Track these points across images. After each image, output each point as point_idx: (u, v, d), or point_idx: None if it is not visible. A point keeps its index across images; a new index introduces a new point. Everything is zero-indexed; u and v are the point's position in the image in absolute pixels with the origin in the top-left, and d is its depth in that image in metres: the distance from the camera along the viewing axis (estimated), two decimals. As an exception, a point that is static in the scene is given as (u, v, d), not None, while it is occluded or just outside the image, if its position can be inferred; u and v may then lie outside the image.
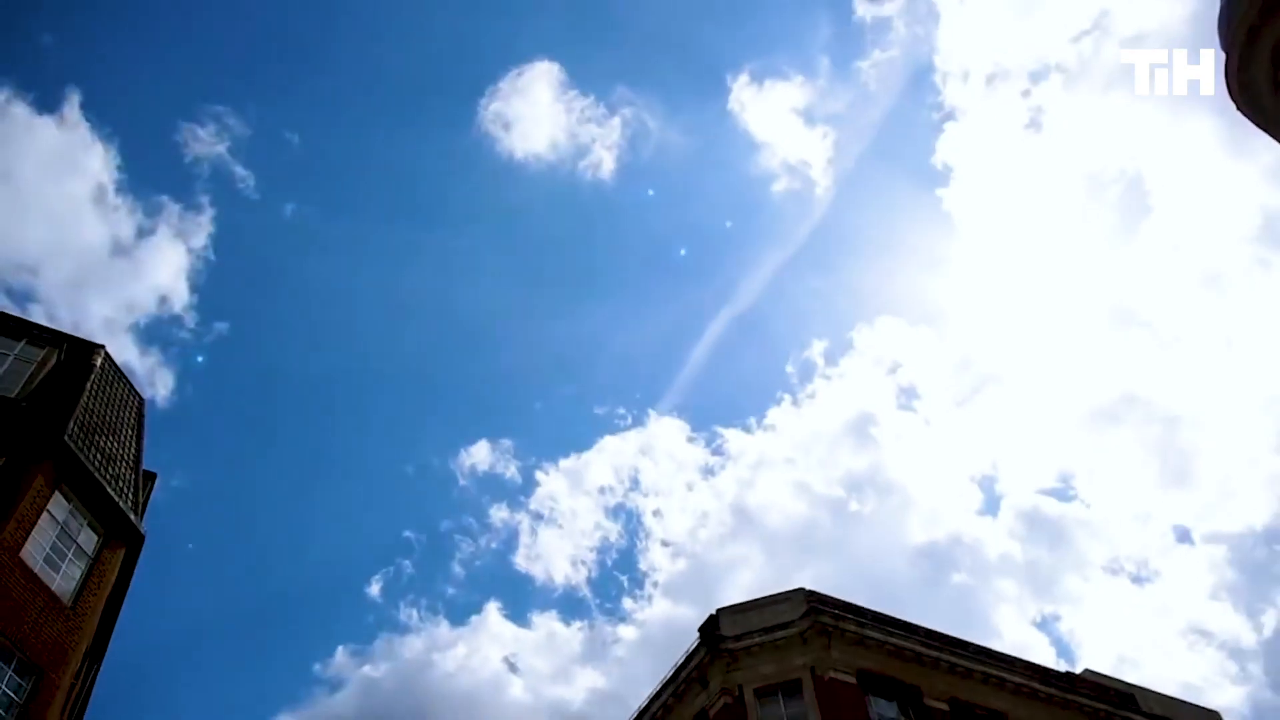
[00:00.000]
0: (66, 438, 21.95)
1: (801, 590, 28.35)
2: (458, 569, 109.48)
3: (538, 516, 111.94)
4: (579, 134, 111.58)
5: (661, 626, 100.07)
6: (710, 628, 27.86)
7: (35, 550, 20.67)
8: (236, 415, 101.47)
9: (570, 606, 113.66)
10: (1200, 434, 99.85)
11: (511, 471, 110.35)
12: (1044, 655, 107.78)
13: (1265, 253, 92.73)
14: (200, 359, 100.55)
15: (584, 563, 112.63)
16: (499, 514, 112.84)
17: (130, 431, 25.83)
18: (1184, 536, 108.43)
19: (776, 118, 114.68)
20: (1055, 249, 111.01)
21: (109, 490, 22.85)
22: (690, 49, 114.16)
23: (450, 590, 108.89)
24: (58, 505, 21.68)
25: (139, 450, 25.77)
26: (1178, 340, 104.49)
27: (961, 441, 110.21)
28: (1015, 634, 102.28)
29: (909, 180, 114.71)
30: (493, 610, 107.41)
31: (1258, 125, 31.82)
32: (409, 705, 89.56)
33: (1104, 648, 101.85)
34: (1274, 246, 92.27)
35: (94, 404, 24.42)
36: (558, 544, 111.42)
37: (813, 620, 27.11)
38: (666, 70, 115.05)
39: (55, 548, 21.33)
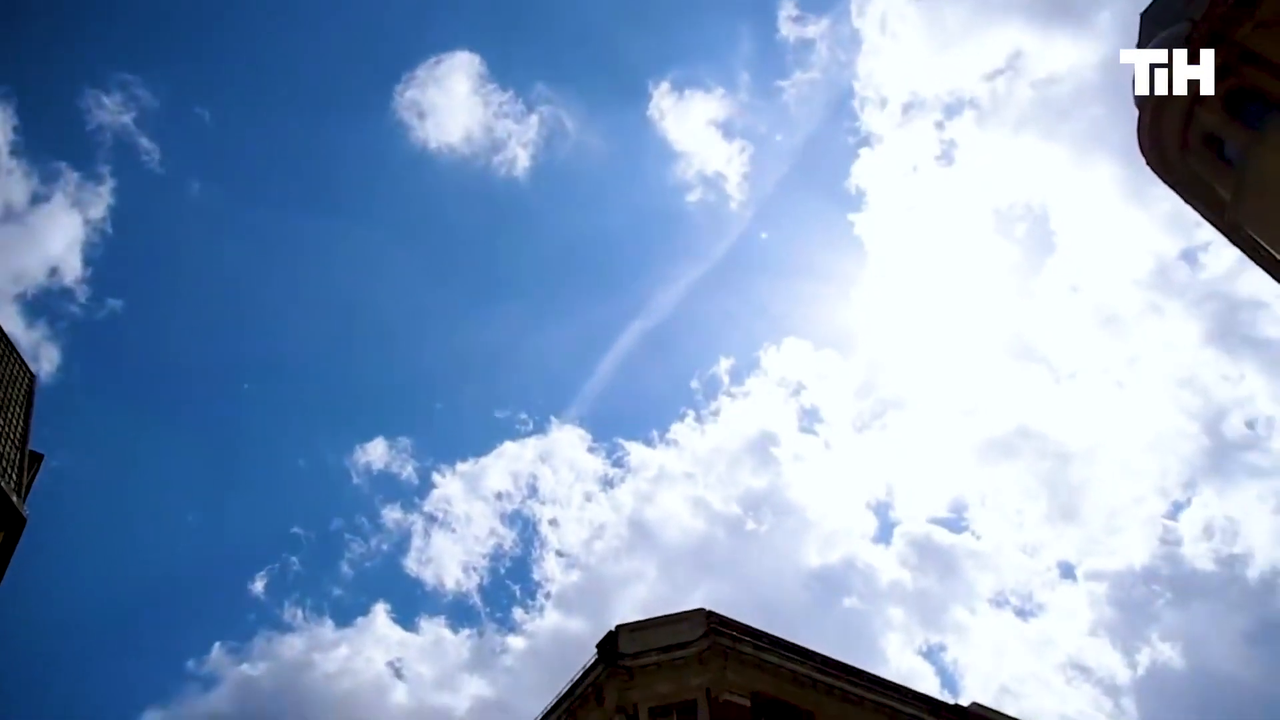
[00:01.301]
0: (-51, 410, 20.89)
1: (702, 611, 28.34)
2: (346, 569, 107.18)
3: (431, 519, 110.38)
4: (495, 128, 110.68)
5: (552, 638, 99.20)
6: (609, 644, 27.67)
7: (-94, 527, 19.58)
8: (125, 397, 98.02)
9: (460, 613, 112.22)
10: (1089, 470, 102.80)
11: (407, 472, 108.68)
12: (929, 684, 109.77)
13: (1158, 298, 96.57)
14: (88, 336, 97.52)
15: (476, 569, 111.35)
16: (392, 515, 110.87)
17: (18, 409, 24.67)
18: (1068, 572, 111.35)
19: (695, 129, 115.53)
20: (961, 280, 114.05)
21: (-9, 469, 21.78)
22: (613, 52, 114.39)
23: (337, 591, 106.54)
24: (-66, 481, 20.58)
25: (26, 429, 24.61)
26: (1073, 377, 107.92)
27: (859, 466, 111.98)
28: (902, 661, 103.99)
29: (823, 202, 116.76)
30: (380, 612, 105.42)
31: (1163, 180, 33.17)
32: (287, 705, 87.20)
33: (987, 679, 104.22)
34: (1165, 293, 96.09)
35: (-19, 378, 23.31)
36: (450, 549, 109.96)
37: (711, 641, 27.12)
38: (588, 71, 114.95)
39: (-72, 525, 20.24)
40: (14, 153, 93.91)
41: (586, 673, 28.06)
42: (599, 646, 27.85)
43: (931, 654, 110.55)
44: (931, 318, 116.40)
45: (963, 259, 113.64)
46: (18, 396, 24.84)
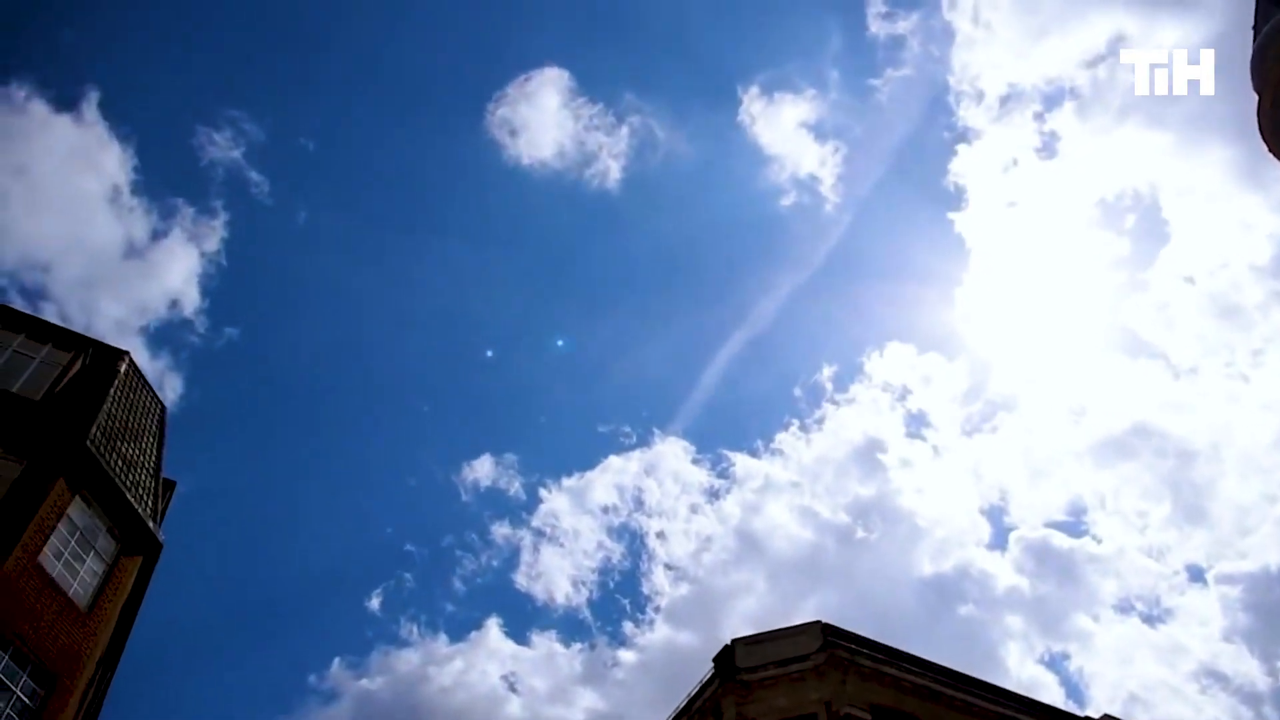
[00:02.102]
0: (89, 443, 21.88)
1: (818, 623, 28.05)
2: (458, 585, 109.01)
3: (539, 534, 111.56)
4: (586, 141, 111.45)
5: (663, 651, 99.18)
6: (725, 658, 27.55)
7: (53, 556, 20.57)
8: (243, 421, 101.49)
9: (571, 627, 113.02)
10: (1215, 469, 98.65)
11: (515, 488, 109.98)
12: (1053, 695, 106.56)
13: (1279, 286, 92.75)
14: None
15: (585, 584, 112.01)
16: (501, 530, 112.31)
17: (151, 439, 25.75)
18: (1197, 575, 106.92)
19: (787, 131, 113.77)
20: (1069, 275, 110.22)
21: (129, 497, 22.77)
22: (701, 58, 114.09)
23: (450, 607, 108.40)
24: (77, 511, 21.60)
25: (159, 458, 25.69)
26: (1193, 372, 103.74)
27: (970, 471, 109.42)
28: (1023, 671, 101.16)
29: (921, 201, 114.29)
30: (493, 627, 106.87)
31: (1284, 163, 31.88)
32: (405, 719, 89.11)
33: (1115, 688, 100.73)
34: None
35: (116, 410, 24.36)
36: (559, 563, 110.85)
37: (829, 654, 26.78)
38: (676, 78, 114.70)
39: (74, 553, 21.23)
40: (135, 191, 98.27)
41: (703, 687, 27.96)
42: (715, 661, 27.73)
43: (1054, 663, 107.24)
44: (1039, 316, 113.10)
45: (1069, 253, 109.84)
46: (150, 427, 25.90)
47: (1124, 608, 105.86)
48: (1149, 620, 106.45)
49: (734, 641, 27.66)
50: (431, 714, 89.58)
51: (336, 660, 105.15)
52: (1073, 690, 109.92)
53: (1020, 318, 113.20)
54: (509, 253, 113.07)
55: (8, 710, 18.54)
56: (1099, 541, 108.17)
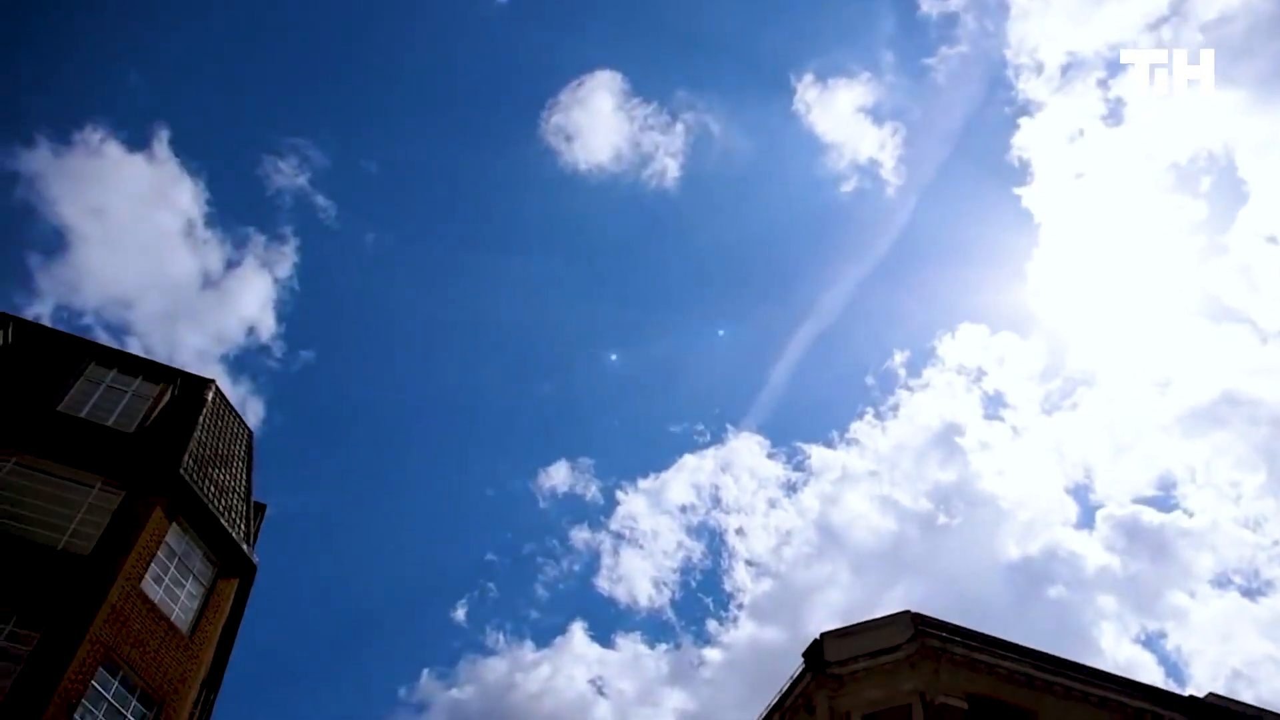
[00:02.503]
0: (182, 471, 22.60)
1: (907, 613, 27.76)
2: (541, 591, 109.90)
3: (619, 537, 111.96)
4: (642, 142, 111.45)
5: (749, 648, 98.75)
6: (815, 652, 27.41)
7: (154, 582, 21.29)
8: (322, 442, 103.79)
9: (655, 629, 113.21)
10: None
11: (591, 492, 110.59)
12: (1151, 674, 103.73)
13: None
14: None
15: (666, 584, 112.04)
16: (580, 535, 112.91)
17: (241, 464, 26.50)
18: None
19: (843, 117, 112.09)
20: (1144, 243, 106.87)
21: (222, 522, 23.46)
22: (752, 49, 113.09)
23: (534, 614, 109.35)
24: (174, 537, 22.32)
25: (249, 482, 26.42)
26: None
27: (1052, 450, 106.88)
28: (1119, 652, 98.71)
29: (986, 179, 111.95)
30: (578, 631, 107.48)
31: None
32: None
33: (1216, 665, 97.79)
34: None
35: (206, 437, 25.12)
36: (640, 565, 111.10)
37: (921, 644, 26.49)
38: (728, 72, 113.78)
39: (174, 579, 21.95)
40: (208, 223, 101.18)
41: (794, 683, 27.85)
42: (805, 655, 27.59)
43: (1151, 642, 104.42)
44: (1114, 287, 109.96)
45: (1143, 221, 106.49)
46: (239, 452, 26.65)
47: (1221, 582, 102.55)
48: (1248, 594, 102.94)
49: (823, 635, 27.50)
50: None
51: (425, 672, 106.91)
52: (1172, 669, 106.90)
53: (1096, 290, 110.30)
54: (573, 259, 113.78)
55: (120, 733, 19.26)
56: (1191, 515, 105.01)
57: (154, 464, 22.50)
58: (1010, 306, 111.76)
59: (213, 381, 27.14)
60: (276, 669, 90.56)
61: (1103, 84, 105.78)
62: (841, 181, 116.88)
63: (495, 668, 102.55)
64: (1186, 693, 30.70)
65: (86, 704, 18.54)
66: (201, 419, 25.25)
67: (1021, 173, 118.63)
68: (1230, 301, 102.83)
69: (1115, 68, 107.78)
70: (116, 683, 19.45)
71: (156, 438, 23.59)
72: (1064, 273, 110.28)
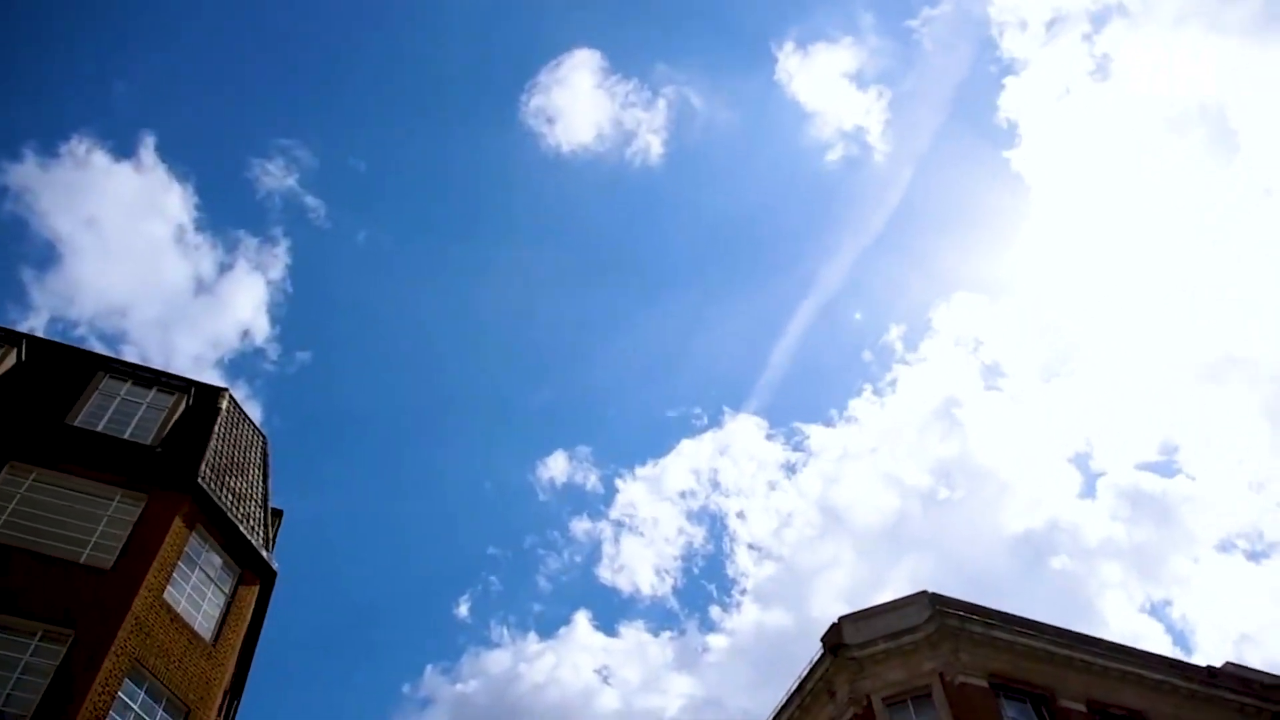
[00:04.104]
0: (199, 480, 22.81)
1: (924, 593, 27.87)
2: (544, 583, 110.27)
3: (619, 525, 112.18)
4: (624, 120, 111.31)
5: (754, 633, 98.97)
6: (833, 636, 27.55)
7: (177, 591, 21.52)
8: (321, 443, 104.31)
9: (658, 616, 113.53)
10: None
11: (591, 482, 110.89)
12: (1158, 643, 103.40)
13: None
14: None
15: (669, 571, 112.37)
16: (580, 525, 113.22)
17: (257, 470, 26.73)
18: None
19: (827, 84, 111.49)
20: (1138, 202, 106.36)
21: (241, 529, 23.68)
22: (730, 18, 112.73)
23: (537, 606, 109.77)
24: (195, 546, 22.55)
25: (266, 488, 26.64)
26: (1277, 294, 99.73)
27: (1052, 418, 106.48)
28: (1124, 622, 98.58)
29: (974, 141, 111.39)
30: (581, 621, 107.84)
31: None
32: (502, 717, 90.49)
33: (1223, 631, 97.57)
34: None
35: (222, 446, 25.33)
36: (641, 553, 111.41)
37: (939, 624, 26.60)
38: (707, 43, 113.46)
39: (195, 587, 22.18)
40: (198, 228, 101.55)
41: (814, 668, 27.98)
42: (824, 639, 27.73)
43: (1156, 610, 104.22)
44: (1109, 247, 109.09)
45: (1136, 177, 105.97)
46: (255, 459, 26.88)
47: (1225, 547, 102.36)
48: (1253, 557, 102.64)
49: (841, 619, 27.64)
50: (528, 711, 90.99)
51: (429, 667, 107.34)
52: (1179, 638, 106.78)
53: (1091, 251, 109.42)
54: (563, 246, 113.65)
55: (149, 742, 19.51)
56: (1193, 479, 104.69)
57: (172, 474, 22.71)
58: (1005, 271, 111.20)
59: (226, 390, 27.36)
60: (279, 670, 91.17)
61: (1088, 38, 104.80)
62: (827, 149, 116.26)
63: (499, 660, 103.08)
64: (1199, 662, 30.81)
65: (114, 715, 18.76)
66: (216, 428, 25.47)
67: (1010, 134, 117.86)
68: (1227, 258, 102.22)
69: (1099, 19, 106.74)
70: (143, 693, 19.68)
71: (173, 448, 23.80)
72: (1058, 234, 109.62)
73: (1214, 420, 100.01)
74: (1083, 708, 26.71)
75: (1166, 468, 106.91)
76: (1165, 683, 28.27)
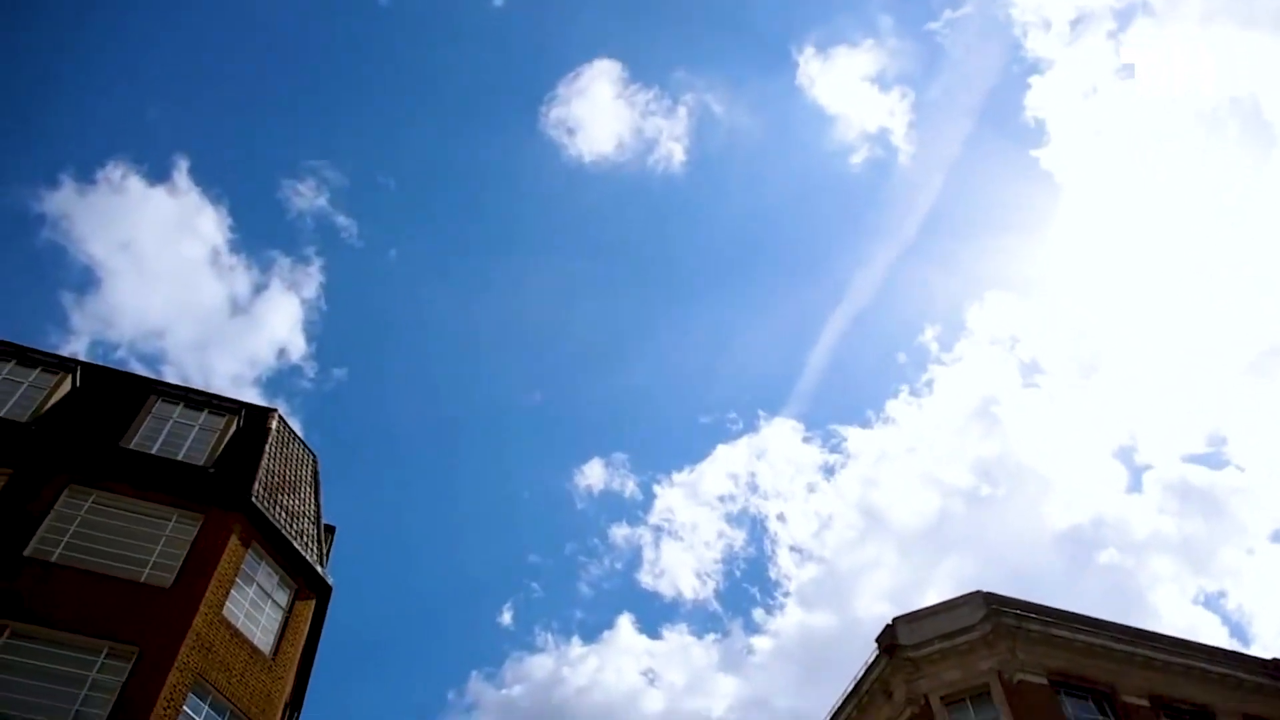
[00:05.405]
0: (253, 499, 23.10)
1: (979, 593, 27.66)
2: (585, 589, 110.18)
3: (659, 530, 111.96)
4: (645, 128, 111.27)
5: (798, 634, 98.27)
6: (888, 637, 27.39)
7: (235, 608, 21.78)
8: (360, 458, 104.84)
9: (701, 619, 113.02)
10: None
11: (629, 488, 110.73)
12: (1214, 635, 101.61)
13: None
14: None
15: (710, 575, 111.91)
16: (620, 532, 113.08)
17: (308, 488, 27.01)
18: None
19: (849, 87, 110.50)
20: (1171, 197, 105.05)
21: (295, 545, 23.93)
22: (748, 23, 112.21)
23: (579, 613, 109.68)
24: (251, 563, 22.81)
25: (318, 505, 26.91)
26: None
27: (1094, 414, 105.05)
28: (1177, 615, 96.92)
29: (1001, 141, 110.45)
30: (624, 625, 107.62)
31: None
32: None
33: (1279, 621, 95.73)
34: None
35: (274, 465, 25.64)
36: (682, 557, 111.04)
37: (995, 622, 26.38)
38: (727, 49, 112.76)
39: (253, 604, 22.43)
40: (233, 250, 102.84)
41: (870, 669, 27.83)
42: (878, 640, 27.59)
43: (1211, 602, 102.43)
44: (1144, 242, 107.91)
45: (1170, 173, 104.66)
46: (306, 477, 27.17)
47: (1278, 536, 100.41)
48: None
49: (895, 620, 27.48)
50: (573, 714, 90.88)
51: (474, 674, 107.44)
52: (1236, 629, 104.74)
53: (1126, 247, 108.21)
54: (591, 256, 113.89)
55: (213, 756, 19.72)
56: (1242, 470, 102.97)
57: (227, 493, 23.02)
58: (1038, 269, 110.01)
59: (275, 410, 27.70)
60: (333, 681, 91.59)
61: (1113, 35, 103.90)
62: (852, 152, 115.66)
63: (543, 664, 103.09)
64: (1259, 653, 30.29)
65: (179, 729, 19.02)
66: (268, 447, 25.78)
67: (1038, 133, 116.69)
68: (1269, 249, 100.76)
69: (1124, 17, 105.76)
70: (207, 706, 19.91)
71: (227, 468, 24.12)
72: (1091, 232, 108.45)
73: (1261, 411, 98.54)
74: (1146, 703, 26.36)
75: (1215, 459, 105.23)
76: (1229, 676, 27.84)
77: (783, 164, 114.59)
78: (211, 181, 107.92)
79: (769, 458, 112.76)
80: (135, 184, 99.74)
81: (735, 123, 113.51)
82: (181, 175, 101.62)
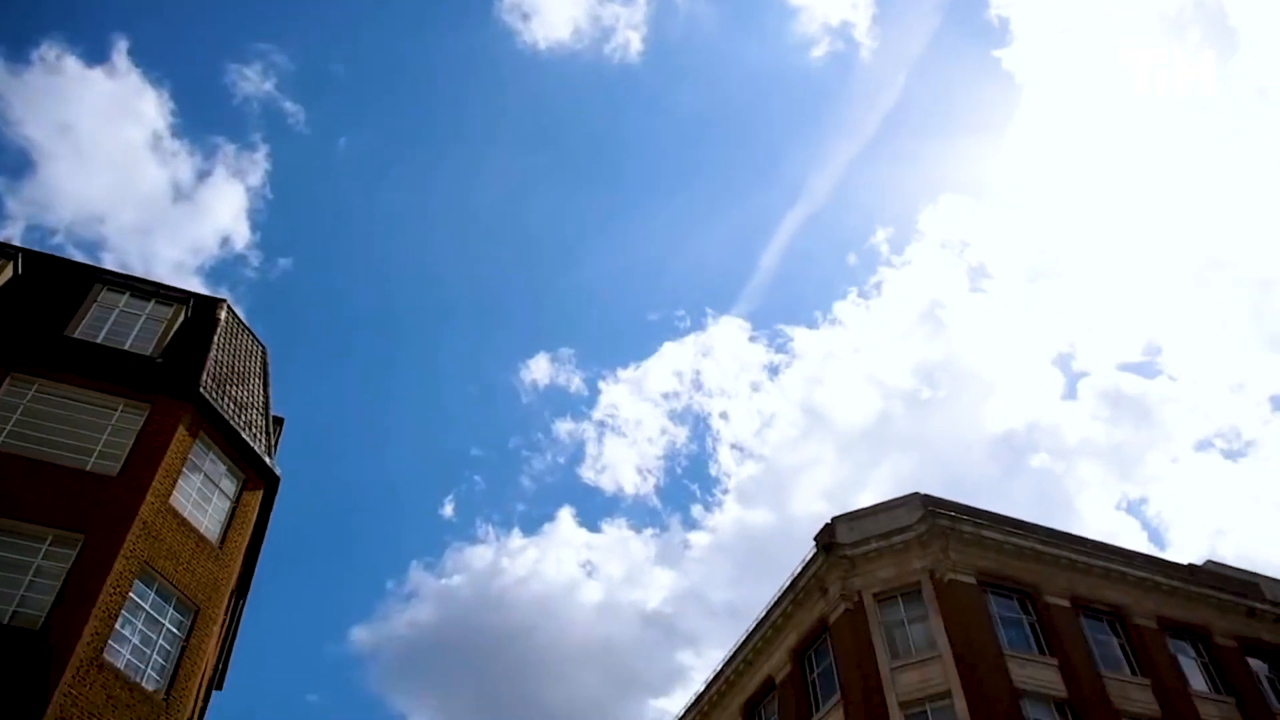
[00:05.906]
0: (201, 389, 23.13)
1: (916, 494, 28.51)
2: (527, 483, 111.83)
3: (602, 426, 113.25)
4: (602, 15, 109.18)
5: (735, 530, 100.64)
6: (826, 535, 28.23)
7: (183, 496, 21.98)
8: (305, 347, 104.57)
9: (641, 514, 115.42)
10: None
11: (574, 384, 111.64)
12: (1134, 540, 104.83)
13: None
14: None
15: (651, 471, 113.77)
16: (564, 426, 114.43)
17: (257, 380, 27.03)
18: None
19: None
20: (1129, 101, 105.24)
21: (243, 436, 24.07)
22: None
23: (521, 506, 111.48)
24: (198, 453, 22.94)
25: (267, 397, 26.98)
26: (1270, 194, 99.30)
27: (1037, 320, 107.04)
28: (1100, 520, 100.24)
29: (963, 40, 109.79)
30: (565, 517, 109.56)
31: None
32: (486, 610, 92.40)
33: (1197, 528, 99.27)
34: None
35: (222, 356, 25.60)
36: (624, 453, 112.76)
37: (930, 524, 27.25)
38: None
39: (200, 493, 22.64)
40: (175, 134, 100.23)
41: (807, 565, 28.74)
42: (817, 539, 28.43)
43: (1133, 508, 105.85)
44: (1099, 148, 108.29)
45: (1129, 77, 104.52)
46: (255, 368, 27.18)
47: (1203, 446, 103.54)
48: (1230, 456, 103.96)
49: (834, 519, 28.31)
50: (512, 603, 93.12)
51: (414, 563, 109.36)
52: (1154, 535, 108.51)
53: (1080, 152, 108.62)
54: (544, 146, 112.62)
55: (160, 640, 20.13)
56: (1174, 380, 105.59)
57: (174, 383, 23.02)
58: (993, 173, 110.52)
59: (224, 301, 27.52)
60: (278, 570, 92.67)
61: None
62: (813, 45, 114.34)
63: (483, 555, 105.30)
64: (1175, 558, 31.57)
65: (126, 614, 19.35)
66: (216, 338, 25.69)
67: (1000, 32, 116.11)
68: (1218, 160, 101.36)
69: None
70: (153, 593, 20.25)
71: (174, 358, 24.07)
72: (1047, 136, 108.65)
73: (1198, 322, 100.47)
74: (1067, 604, 27.52)
75: (1148, 369, 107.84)
76: (1147, 579, 29.06)
77: (742, 56, 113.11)
78: (152, 64, 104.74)
79: (715, 355, 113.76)
80: (72, 64, 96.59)
81: (694, 10, 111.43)
82: (121, 56, 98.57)
